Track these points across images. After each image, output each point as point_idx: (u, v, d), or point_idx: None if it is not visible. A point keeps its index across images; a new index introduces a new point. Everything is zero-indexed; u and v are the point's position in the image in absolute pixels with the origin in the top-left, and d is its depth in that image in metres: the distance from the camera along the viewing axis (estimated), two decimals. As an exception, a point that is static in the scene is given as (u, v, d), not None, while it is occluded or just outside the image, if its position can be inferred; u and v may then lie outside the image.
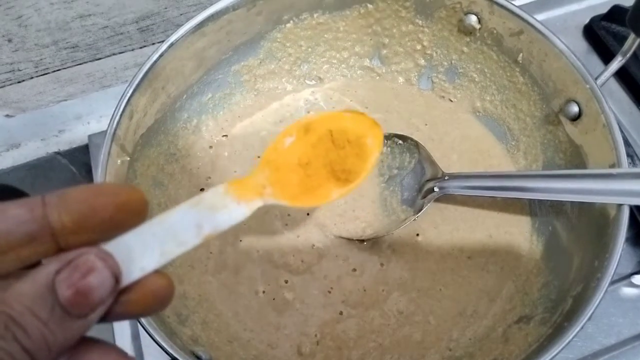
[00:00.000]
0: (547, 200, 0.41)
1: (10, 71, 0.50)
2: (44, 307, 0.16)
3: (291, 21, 0.46)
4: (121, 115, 0.37)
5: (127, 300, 0.18)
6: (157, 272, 0.19)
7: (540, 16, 0.57)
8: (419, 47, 0.48)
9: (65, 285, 0.16)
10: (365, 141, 0.25)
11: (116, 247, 0.18)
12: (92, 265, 0.17)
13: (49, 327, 0.16)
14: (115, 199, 0.18)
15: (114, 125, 0.36)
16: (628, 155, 0.36)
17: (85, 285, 0.17)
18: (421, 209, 0.42)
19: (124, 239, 0.19)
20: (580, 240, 0.38)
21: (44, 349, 0.16)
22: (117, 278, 0.18)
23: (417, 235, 0.43)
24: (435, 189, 0.42)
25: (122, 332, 0.43)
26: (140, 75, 0.38)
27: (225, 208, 0.21)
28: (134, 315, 0.19)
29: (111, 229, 0.18)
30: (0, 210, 0.17)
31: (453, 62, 0.48)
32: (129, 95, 0.37)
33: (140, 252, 0.19)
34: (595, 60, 0.56)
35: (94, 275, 0.17)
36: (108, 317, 0.18)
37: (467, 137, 0.47)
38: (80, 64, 0.53)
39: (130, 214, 0.19)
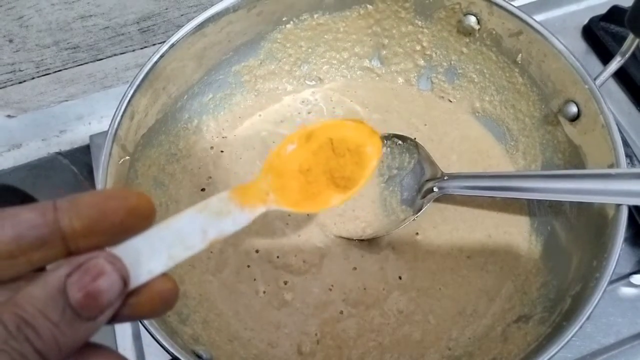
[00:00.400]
0: (546, 200, 0.42)
1: (11, 71, 0.51)
2: (55, 309, 0.16)
3: (291, 22, 0.46)
4: (122, 115, 0.37)
5: (134, 303, 0.19)
6: (164, 275, 0.19)
7: (539, 17, 0.57)
8: (418, 47, 0.48)
9: (76, 288, 0.17)
10: (365, 150, 0.26)
11: (125, 250, 0.19)
12: (102, 268, 0.17)
13: (60, 328, 0.17)
14: (125, 203, 0.19)
15: (115, 126, 0.36)
16: (627, 155, 0.36)
17: (95, 288, 0.17)
18: (421, 209, 0.42)
19: (132, 243, 0.19)
20: (579, 240, 0.38)
21: (55, 350, 0.17)
22: (125, 281, 0.18)
23: (417, 235, 0.43)
24: (435, 189, 0.42)
25: (123, 332, 0.44)
26: (141, 76, 0.38)
27: (229, 214, 0.21)
28: (140, 317, 0.20)
29: (120, 233, 0.19)
30: (12, 214, 0.18)
31: (452, 62, 0.48)
32: (130, 95, 0.37)
33: (148, 256, 0.19)
34: (594, 61, 0.56)
35: (103, 279, 0.17)
36: (116, 319, 0.19)
37: (466, 138, 0.48)
38: (81, 64, 0.53)
39: (139, 219, 0.19)
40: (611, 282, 0.32)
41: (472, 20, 0.44)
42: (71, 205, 0.18)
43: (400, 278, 0.42)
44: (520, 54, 0.42)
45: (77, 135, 0.55)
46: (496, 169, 0.46)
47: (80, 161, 0.54)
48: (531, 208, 0.44)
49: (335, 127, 0.25)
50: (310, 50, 0.49)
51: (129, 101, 0.37)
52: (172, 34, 0.40)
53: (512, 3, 0.41)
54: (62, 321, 0.17)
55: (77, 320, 0.17)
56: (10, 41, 0.48)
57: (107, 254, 0.18)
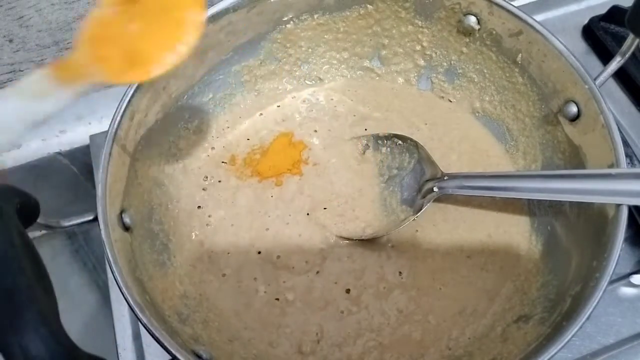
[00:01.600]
0: (546, 200, 0.42)
1: (11, 72, 0.51)
2: None
3: (291, 22, 0.46)
4: (122, 115, 0.37)
5: None
6: None
7: (540, 17, 0.57)
8: (418, 47, 0.48)
9: None
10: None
11: None
12: None
13: None
14: None
15: (115, 126, 0.36)
16: (627, 155, 0.36)
17: None
18: (421, 209, 0.42)
19: None
20: (579, 240, 0.38)
21: None
22: None
23: (417, 234, 0.43)
24: (435, 189, 0.42)
25: (123, 332, 0.44)
26: (141, 76, 0.38)
27: (49, 94, 0.21)
28: None
29: None
30: None
31: (452, 62, 0.48)
32: (130, 95, 0.37)
33: None
34: (594, 61, 0.56)
35: None
36: None
37: (466, 137, 0.48)
38: (81, 64, 0.53)
39: None
40: (611, 282, 0.32)
41: (472, 20, 0.44)
42: None
43: (400, 277, 0.42)
44: (520, 54, 0.42)
45: (77, 135, 0.55)
46: (496, 169, 0.46)
47: (80, 161, 0.54)
48: (531, 208, 0.44)
49: None
50: (310, 50, 0.49)
51: (129, 101, 0.37)
52: (172, 34, 0.40)
53: (512, 3, 0.41)
54: None
55: None
56: (10, 41, 0.48)
57: None
